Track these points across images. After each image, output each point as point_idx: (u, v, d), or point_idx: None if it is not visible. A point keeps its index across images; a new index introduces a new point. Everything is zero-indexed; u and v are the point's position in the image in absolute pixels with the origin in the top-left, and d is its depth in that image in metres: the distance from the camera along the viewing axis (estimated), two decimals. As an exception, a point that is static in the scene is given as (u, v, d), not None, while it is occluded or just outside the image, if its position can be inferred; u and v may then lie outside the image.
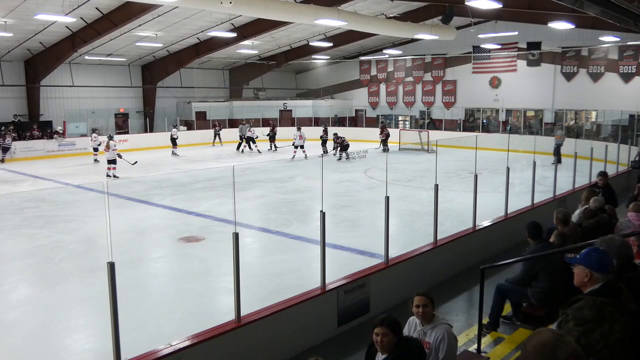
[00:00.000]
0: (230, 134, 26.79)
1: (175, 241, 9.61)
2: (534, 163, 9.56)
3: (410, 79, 30.98)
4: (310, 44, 26.80)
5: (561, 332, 2.42)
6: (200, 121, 29.46)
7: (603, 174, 9.21)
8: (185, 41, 24.15)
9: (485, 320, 5.51)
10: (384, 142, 23.62)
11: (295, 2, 17.00)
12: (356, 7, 18.43)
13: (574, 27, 18.04)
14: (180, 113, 29.58)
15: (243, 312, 4.87)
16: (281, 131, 25.90)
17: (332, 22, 16.63)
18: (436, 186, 7.06)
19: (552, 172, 10.95)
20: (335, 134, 21.21)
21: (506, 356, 5.19)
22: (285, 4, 15.64)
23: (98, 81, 26.28)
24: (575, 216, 6.98)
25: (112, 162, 17.04)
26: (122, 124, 27.57)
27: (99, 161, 20.41)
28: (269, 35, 24.07)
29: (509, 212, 8.85)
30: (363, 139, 26.50)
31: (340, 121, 31.26)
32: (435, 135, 24.02)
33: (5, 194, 14.45)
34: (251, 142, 24.19)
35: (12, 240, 10.01)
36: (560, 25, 17.72)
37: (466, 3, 14.51)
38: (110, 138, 17.70)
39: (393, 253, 6.61)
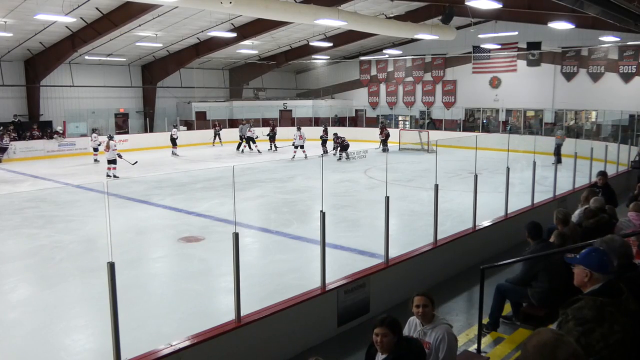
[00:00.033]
0: (230, 134, 26.78)
1: (175, 241, 9.61)
2: (534, 163, 9.56)
3: (410, 79, 30.98)
4: (310, 44, 26.80)
5: (561, 332, 2.42)
6: (200, 121, 29.46)
7: (602, 174, 9.21)
8: (185, 41, 24.15)
9: (485, 320, 5.51)
10: (384, 142, 23.62)
11: (295, 2, 17.00)
12: (356, 7, 18.42)
13: (574, 27, 18.05)
14: (180, 113, 29.58)
15: (243, 312, 4.87)
16: (281, 131, 25.90)
17: (332, 22, 16.63)
18: (436, 186, 7.06)
19: (552, 172, 10.96)
20: (335, 134, 21.21)
21: (506, 356, 5.19)
22: (285, 4, 15.64)
23: (98, 81, 26.28)
24: (575, 216, 6.98)
25: (112, 162, 17.05)
26: (122, 124, 27.56)
27: (99, 161, 20.41)
28: (269, 35, 24.07)
29: (509, 212, 8.85)
30: (363, 139, 26.50)
31: (340, 121, 31.26)
32: (435, 135, 24.02)
33: (5, 194, 14.45)
34: (251, 142, 24.19)
35: (12, 240, 10.01)
36: (560, 25, 17.73)
37: (466, 3, 14.51)
38: (111, 138, 17.70)
39: (393, 253, 6.61)
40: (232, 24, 21.53)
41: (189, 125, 28.70)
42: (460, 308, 6.56)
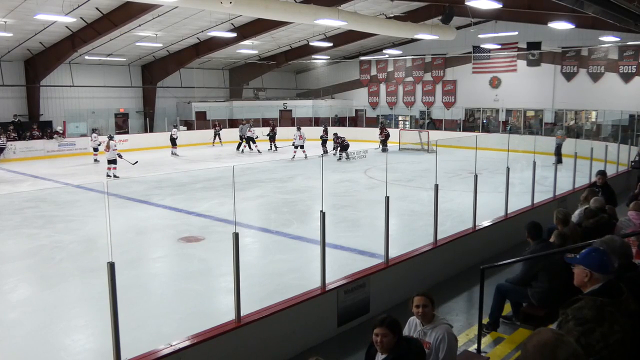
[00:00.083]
0: (230, 134, 26.79)
1: (175, 241, 9.61)
2: (534, 163, 9.56)
3: (410, 79, 30.98)
4: (310, 44, 26.79)
5: (561, 332, 2.42)
6: (200, 121, 29.46)
7: (602, 173, 9.21)
8: (185, 41, 24.15)
9: (485, 320, 5.51)
10: (384, 142, 23.63)
11: (295, 2, 17.00)
12: (356, 7, 18.42)
13: (574, 27, 18.04)
14: (180, 113, 29.58)
15: (243, 312, 4.87)
16: (281, 131, 25.90)
17: (332, 22, 16.62)
18: (436, 186, 7.06)
19: (552, 172, 10.96)
20: (335, 134, 21.21)
21: (506, 356, 5.19)
22: (285, 4, 15.64)
23: (98, 81, 26.27)
24: (575, 216, 6.98)
25: (112, 162, 17.05)
26: (122, 124, 27.56)
27: (99, 161, 20.41)
28: (269, 35, 24.07)
29: (509, 212, 8.85)
30: (363, 139, 26.50)
31: (340, 121, 31.25)
32: (435, 135, 24.02)
33: (5, 194, 14.45)
34: (251, 142, 24.20)
35: (12, 240, 10.01)
36: (560, 25, 17.72)
37: (466, 3, 14.51)
38: (111, 138, 17.71)
39: (393, 253, 6.61)
40: (232, 24, 21.53)
41: (189, 125, 28.71)
42: (460, 308, 6.56)
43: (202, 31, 22.39)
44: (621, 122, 21.02)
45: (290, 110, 31.96)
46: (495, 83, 27.53)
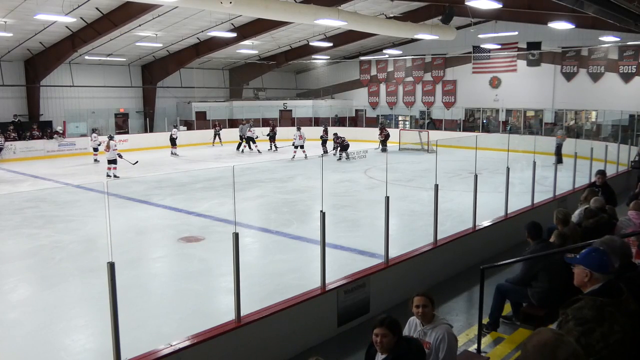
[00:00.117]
0: (230, 134, 26.79)
1: (175, 241, 9.61)
2: (534, 163, 9.57)
3: (410, 79, 30.98)
4: (310, 44, 26.79)
5: (561, 332, 2.42)
6: (200, 121, 29.46)
7: (601, 173, 9.21)
8: (185, 41, 24.15)
9: (485, 320, 5.51)
10: (383, 142, 23.63)
11: (295, 2, 17.00)
12: (356, 7, 18.43)
13: (574, 27, 18.04)
14: (180, 113, 29.58)
15: (243, 312, 4.87)
16: (281, 131, 25.90)
17: (332, 22, 16.62)
18: (436, 186, 7.06)
19: (552, 172, 10.96)
20: (335, 134, 21.21)
21: (506, 356, 5.19)
22: (285, 4, 15.64)
23: (98, 81, 26.27)
24: (575, 216, 6.98)
25: (112, 162, 17.06)
26: (122, 124, 27.56)
27: (99, 161, 20.41)
28: (269, 35, 24.07)
29: (509, 212, 8.85)
30: (363, 139, 26.49)
31: (340, 121, 31.26)
32: (435, 135, 24.02)
33: (5, 194, 14.45)
34: (251, 142, 24.20)
35: (12, 240, 10.01)
36: (560, 25, 17.72)
37: (466, 3, 14.51)
38: (111, 138, 17.71)
39: (393, 253, 6.61)
40: (232, 24, 21.53)
41: (189, 125, 28.71)
42: (460, 308, 6.56)
43: (202, 31, 22.39)
44: (621, 122, 21.02)
45: (290, 110, 31.96)
46: (495, 83, 27.53)
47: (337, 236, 9.21)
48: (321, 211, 5.45)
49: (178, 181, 16.14)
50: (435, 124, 28.50)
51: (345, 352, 5.37)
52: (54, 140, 23.26)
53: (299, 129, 21.84)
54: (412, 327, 4.01)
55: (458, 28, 22.05)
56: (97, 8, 17.68)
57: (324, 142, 22.80)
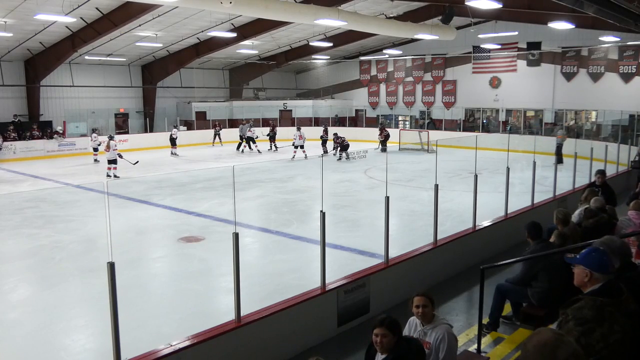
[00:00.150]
0: (230, 134, 26.79)
1: (175, 241, 9.61)
2: (534, 163, 9.56)
3: (410, 79, 30.98)
4: (310, 44, 26.79)
5: (561, 332, 2.42)
6: (200, 121, 29.46)
7: (601, 172, 9.21)
8: (185, 41, 24.15)
9: (485, 320, 5.51)
10: (383, 142, 23.63)
11: (295, 2, 17.00)
12: (356, 7, 18.43)
13: (574, 27, 18.04)
14: (180, 113, 29.59)
15: (243, 312, 4.87)
16: (281, 131, 25.90)
17: (332, 22, 16.62)
18: (436, 186, 7.06)
19: (552, 172, 10.95)
20: (335, 134, 21.21)
21: (506, 356, 5.19)
22: (285, 4, 15.64)
23: (98, 81, 26.27)
24: (575, 216, 6.98)
25: (112, 162, 17.06)
26: (122, 124, 27.55)
27: (99, 161, 20.42)
28: (269, 35, 24.07)
29: (509, 212, 8.85)
30: (363, 139, 26.49)
31: (340, 121, 31.26)
32: (435, 135, 24.02)
33: (5, 194, 14.45)
34: (251, 142, 24.20)
35: (12, 240, 10.01)
36: (560, 25, 17.72)
37: (466, 3, 14.51)
38: (111, 138, 17.71)
39: (393, 253, 6.61)
40: (232, 24, 21.53)
41: (189, 125, 28.71)
42: (460, 308, 6.56)
43: (202, 31, 22.38)
44: (621, 122, 21.02)
45: (290, 110, 31.96)
46: (495, 83, 27.53)
47: (337, 236, 9.21)
48: (321, 211, 5.45)
49: (178, 181, 16.14)
50: (435, 124, 28.50)
51: (345, 352, 5.37)
52: (54, 140, 23.26)
53: (299, 129, 21.84)
54: (412, 327, 4.01)
55: (458, 28, 22.05)
56: (97, 8, 17.68)
57: (324, 142, 22.80)
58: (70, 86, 25.22)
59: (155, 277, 7.99)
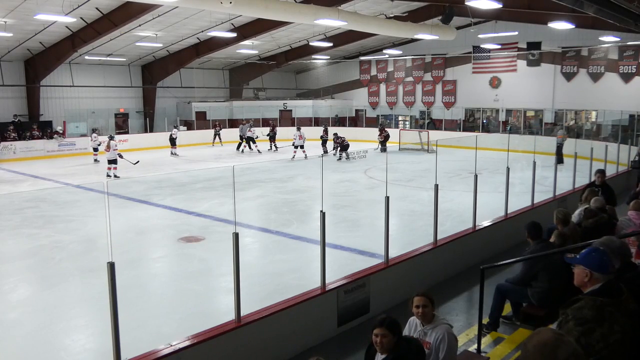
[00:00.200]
0: (230, 134, 26.79)
1: (175, 241, 9.61)
2: (534, 163, 9.56)
3: (410, 79, 30.98)
4: (310, 44, 26.79)
5: (561, 332, 2.42)
6: (200, 121, 29.47)
7: (601, 172, 9.20)
8: (185, 41, 24.15)
9: (485, 320, 5.51)
10: (383, 142, 23.62)
11: (295, 2, 17.00)
12: (356, 7, 18.42)
13: (574, 27, 18.04)
14: (180, 113, 29.59)
15: (243, 312, 4.87)
16: (281, 131, 25.90)
17: (332, 22, 16.62)
18: (436, 186, 7.05)
19: (552, 172, 10.95)
20: (335, 134, 21.21)
21: (506, 356, 5.19)
22: (285, 4, 15.64)
23: (98, 81, 26.27)
24: (575, 216, 6.98)
25: (112, 162, 17.06)
26: (122, 124, 27.56)
27: (99, 161, 20.42)
28: (269, 35, 24.07)
29: (509, 212, 8.85)
30: (363, 139, 26.48)
31: (340, 121, 31.26)
32: (435, 135, 24.02)
33: (5, 194, 14.45)
34: (251, 142, 24.20)
35: (12, 240, 10.01)
36: (560, 25, 17.72)
37: (466, 3, 14.51)
38: (111, 138, 17.72)
39: (393, 253, 6.61)
40: (232, 24, 21.53)
41: (189, 125, 28.71)
42: (460, 308, 6.56)
43: (202, 31, 22.38)
44: (621, 122, 21.02)
45: (290, 110, 31.96)
46: (495, 83, 27.53)
47: (337, 236, 9.21)
48: (321, 211, 5.45)
49: (178, 181, 16.15)
50: (435, 124, 28.50)
51: (345, 352, 5.37)
52: (54, 140, 23.26)
53: (299, 129, 21.84)
54: (412, 327, 4.01)
55: (458, 28, 22.05)
56: (97, 8, 17.68)
57: (324, 142, 22.80)
58: (70, 86, 25.21)
59: (155, 277, 7.99)
